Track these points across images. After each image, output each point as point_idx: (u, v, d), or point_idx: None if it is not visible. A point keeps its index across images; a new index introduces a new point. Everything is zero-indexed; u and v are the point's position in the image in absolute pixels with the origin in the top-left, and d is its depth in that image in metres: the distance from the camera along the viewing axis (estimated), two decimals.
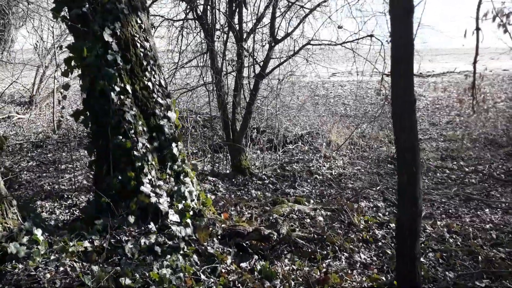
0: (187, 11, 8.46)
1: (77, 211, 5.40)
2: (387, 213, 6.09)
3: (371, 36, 7.50)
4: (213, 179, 7.31)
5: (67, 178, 7.26)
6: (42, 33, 13.37)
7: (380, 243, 4.96)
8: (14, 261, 3.54)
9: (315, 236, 4.85)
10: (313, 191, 7.20)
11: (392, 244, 4.93)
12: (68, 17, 4.59)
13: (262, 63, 7.86)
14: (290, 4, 7.74)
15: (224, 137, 8.36)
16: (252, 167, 8.05)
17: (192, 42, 8.84)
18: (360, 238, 5.02)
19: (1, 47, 16.42)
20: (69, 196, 6.05)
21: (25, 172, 7.65)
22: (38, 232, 3.84)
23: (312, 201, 6.52)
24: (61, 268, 3.52)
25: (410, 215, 3.26)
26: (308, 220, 5.41)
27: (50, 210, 5.42)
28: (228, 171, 7.97)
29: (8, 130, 11.25)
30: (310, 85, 19.81)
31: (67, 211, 5.44)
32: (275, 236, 4.46)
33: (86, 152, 8.92)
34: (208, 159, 8.96)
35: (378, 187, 7.28)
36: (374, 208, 6.30)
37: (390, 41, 3.16)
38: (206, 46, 8.20)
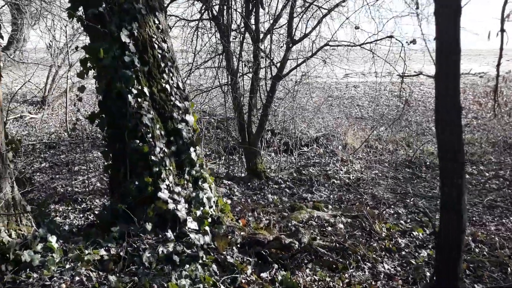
0: (202, 11, 8.33)
1: (92, 216, 5.28)
2: (409, 221, 5.91)
3: (391, 37, 7.32)
4: (229, 182, 7.17)
5: (80, 180, 7.15)
6: (55, 32, 13.30)
7: (403, 253, 4.78)
8: (28, 269, 3.43)
9: (337, 245, 4.68)
10: (331, 196, 7.03)
11: (417, 254, 4.77)
12: (84, 17, 4.47)
13: (278, 64, 7.71)
14: (307, 4, 7.57)
15: (239, 140, 8.22)
16: (268, 170, 7.90)
17: (207, 43, 8.71)
18: (383, 247, 4.84)
19: (13, 46, 16.45)
20: (83, 199, 5.93)
21: (38, 174, 7.56)
22: (52, 239, 3.72)
23: (330, 206, 6.35)
24: (77, 278, 3.40)
25: (454, 230, 3.07)
26: (329, 228, 5.23)
27: (64, 214, 5.30)
28: (243, 175, 7.83)
29: (21, 130, 11.19)
30: (323, 86, 19.64)
31: (81, 215, 5.32)
32: (296, 246, 4.31)
33: (99, 153, 8.86)
34: (223, 161, 8.83)
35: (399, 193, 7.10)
36: (395, 215, 6.12)
37: (436, 42, 2.98)
38: (221, 47, 8.07)
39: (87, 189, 6.59)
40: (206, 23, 8.67)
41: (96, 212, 5.34)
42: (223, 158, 8.98)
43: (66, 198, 6.01)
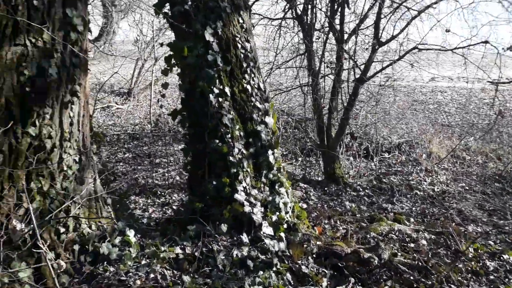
0: (286, 10, 8.23)
1: (169, 210, 5.36)
2: (498, 241, 5.44)
3: (486, 42, 6.79)
4: (305, 185, 7.02)
5: (160, 172, 7.32)
6: (142, 26, 13.80)
7: (492, 277, 4.39)
8: (106, 262, 3.49)
9: (419, 263, 4.38)
10: (413, 208, 6.65)
11: (506, 280, 4.36)
12: (169, 14, 4.50)
13: (362, 66, 7.42)
14: (396, 5, 7.22)
15: (318, 142, 8.04)
16: (346, 176, 7.65)
17: (290, 42, 8.60)
18: (469, 269, 4.47)
19: (103, 39, 17.32)
20: (162, 193, 6.04)
21: (121, 164, 7.84)
22: (130, 234, 3.77)
23: (412, 219, 6.00)
24: (152, 275, 3.41)
25: None
26: (411, 245, 4.92)
27: (143, 207, 5.43)
28: (320, 178, 7.64)
29: (107, 119, 11.72)
30: (407, 90, 18.85)
31: (159, 209, 5.42)
32: (375, 261, 4.08)
33: (179, 146, 9.06)
34: (299, 163, 8.69)
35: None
36: (483, 234, 5.66)
37: None
38: (303, 47, 7.93)
39: (167, 182, 6.72)
40: (289, 22, 8.57)
41: (174, 207, 5.41)
42: (300, 159, 8.84)
43: (146, 190, 6.16)
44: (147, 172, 7.36)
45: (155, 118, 10.65)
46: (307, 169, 8.29)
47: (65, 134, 3.47)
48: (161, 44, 4.93)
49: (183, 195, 6.01)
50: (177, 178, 7.09)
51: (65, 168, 3.47)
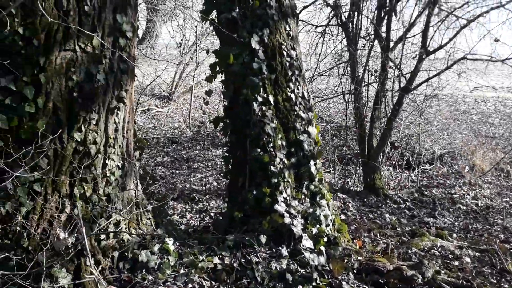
0: (331, 17, 8.12)
1: (207, 217, 5.34)
2: None
3: None
4: (343, 196, 6.87)
5: (198, 177, 7.33)
6: (185, 31, 13.93)
7: None
8: (144, 270, 3.48)
9: (463, 282, 4.20)
10: (456, 223, 6.41)
11: None
12: (216, 21, 4.48)
13: (408, 75, 7.23)
14: (445, 13, 7.00)
15: (357, 150, 7.88)
16: (386, 187, 7.46)
17: (333, 50, 8.49)
18: None
19: (146, 42, 17.60)
20: (200, 199, 6.03)
21: (159, 167, 7.90)
22: (169, 241, 3.76)
23: (454, 235, 5.78)
24: (190, 285, 3.38)
25: None
26: (456, 263, 4.73)
27: (181, 213, 5.43)
28: (359, 189, 7.48)
29: (147, 122, 11.86)
30: (449, 98, 18.32)
31: (197, 216, 5.41)
32: (418, 279, 3.92)
33: (217, 152, 9.07)
34: (338, 171, 8.54)
35: None
36: None
37: None
38: (346, 54, 7.80)
39: (204, 188, 6.72)
40: (332, 29, 8.45)
41: (212, 215, 5.38)
42: (338, 168, 8.69)
43: (184, 196, 6.16)
44: (185, 177, 7.38)
45: (197, 124, 10.70)
46: (346, 178, 8.13)
47: (109, 140, 3.48)
48: (207, 51, 4.92)
49: (221, 202, 5.98)
50: (214, 183, 7.08)
51: (108, 174, 3.48)
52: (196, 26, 11.43)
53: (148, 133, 10.20)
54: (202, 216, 5.39)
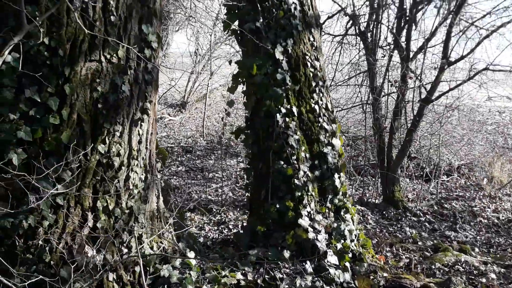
0: (349, 26, 8.04)
1: (226, 230, 5.24)
2: None
3: None
4: (362, 208, 6.75)
5: (214, 188, 7.25)
6: (198, 40, 13.92)
7: None
8: (166, 285, 3.39)
9: None
10: (478, 237, 6.26)
11: None
12: (238, 31, 4.41)
13: (428, 85, 7.11)
14: (468, 24, 6.89)
15: (375, 161, 7.76)
16: (405, 199, 7.32)
17: (352, 60, 8.41)
18: None
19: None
20: (217, 210, 5.94)
21: (174, 177, 7.82)
22: (191, 255, 3.67)
23: (477, 250, 5.63)
24: None
25: None
26: (482, 280, 4.58)
27: (200, 225, 5.34)
28: (377, 201, 7.34)
29: (160, 131, 11.81)
30: (463, 108, 18.13)
31: (215, 228, 5.31)
32: None
33: (232, 161, 8.98)
34: (355, 183, 8.41)
35: None
36: None
37: None
38: (365, 63, 7.71)
39: (220, 199, 6.63)
40: (350, 38, 8.37)
41: (230, 227, 5.29)
42: (356, 179, 8.56)
43: (201, 206, 6.08)
44: (200, 187, 7.30)
45: (211, 134, 10.63)
46: (364, 189, 8.00)
47: (133, 152, 3.41)
48: (229, 62, 4.85)
49: (238, 213, 5.89)
50: (230, 194, 6.99)
51: (131, 187, 3.41)
52: (211, 35, 11.37)
53: (162, 142, 10.14)
54: (220, 228, 5.30)
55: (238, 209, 6.10)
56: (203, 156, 9.31)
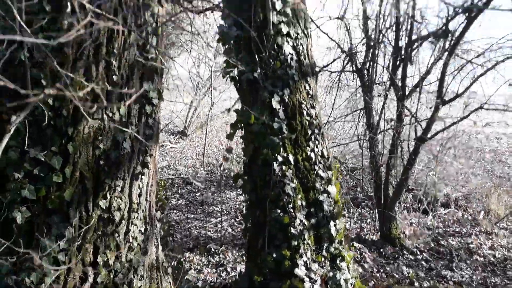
0: (346, 63, 8.19)
1: (224, 273, 5.30)
2: None
3: None
4: (359, 246, 6.81)
5: (213, 223, 7.32)
6: (199, 68, 14.11)
7: None
8: None
9: None
10: (474, 277, 6.31)
11: None
12: (237, 79, 4.54)
13: (423, 122, 7.22)
14: (462, 64, 7.04)
15: (372, 195, 7.83)
16: (402, 235, 7.38)
17: (347, 95, 8.55)
18: None
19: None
20: (216, 250, 6.00)
21: (174, 211, 7.90)
22: None
23: None
24: None
25: None
26: None
27: (198, 267, 5.40)
28: (374, 237, 7.40)
29: (161, 159, 11.91)
30: (461, 135, 18.24)
31: (214, 270, 5.37)
32: None
33: (231, 193, 9.06)
34: (352, 215, 8.49)
35: None
36: None
37: None
38: (362, 101, 7.84)
39: (219, 235, 6.69)
40: (348, 74, 8.53)
41: (229, 269, 5.35)
42: (353, 211, 8.63)
43: (199, 245, 6.14)
44: (199, 222, 7.36)
45: (219, 175, 10.72)
46: (361, 223, 8.06)
47: (133, 206, 3.51)
48: (228, 110, 4.97)
49: (237, 253, 5.95)
50: (229, 230, 7.06)
51: (131, 240, 3.49)
52: (211, 67, 11.56)
53: (162, 173, 10.23)
54: (219, 271, 5.36)
55: (237, 248, 6.16)
56: (204, 188, 9.38)
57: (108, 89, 3.14)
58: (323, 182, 4.53)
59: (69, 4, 2.65)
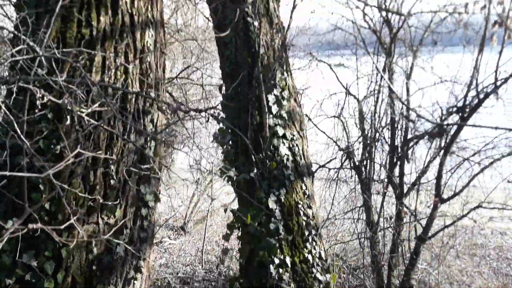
0: (344, 160, 8.32)
1: None
2: None
3: None
4: None
5: None
6: (200, 163, 14.28)
7: None
8: None
9: None
10: None
11: None
12: (235, 180, 4.60)
13: (423, 220, 7.17)
14: (459, 162, 7.15)
15: None
16: None
17: (346, 190, 8.59)
18: None
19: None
20: None
21: None
22: None
23: None
24: None
25: None
26: None
27: None
28: None
29: (159, 256, 11.66)
30: (464, 231, 17.96)
31: None
32: None
33: None
34: None
35: None
36: None
37: None
38: (361, 198, 7.86)
39: None
40: (346, 171, 8.62)
41: None
42: None
43: None
44: None
45: (216, 273, 10.49)
46: None
47: None
48: (225, 210, 4.99)
49: None
50: None
51: None
52: (212, 163, 11.72)
53: (160, 272, 9.98)
54: None
55: None
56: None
57: (103, 200, 3.18)
58: (321, 285, 4.41)
59: (68, 117, 2.78)
